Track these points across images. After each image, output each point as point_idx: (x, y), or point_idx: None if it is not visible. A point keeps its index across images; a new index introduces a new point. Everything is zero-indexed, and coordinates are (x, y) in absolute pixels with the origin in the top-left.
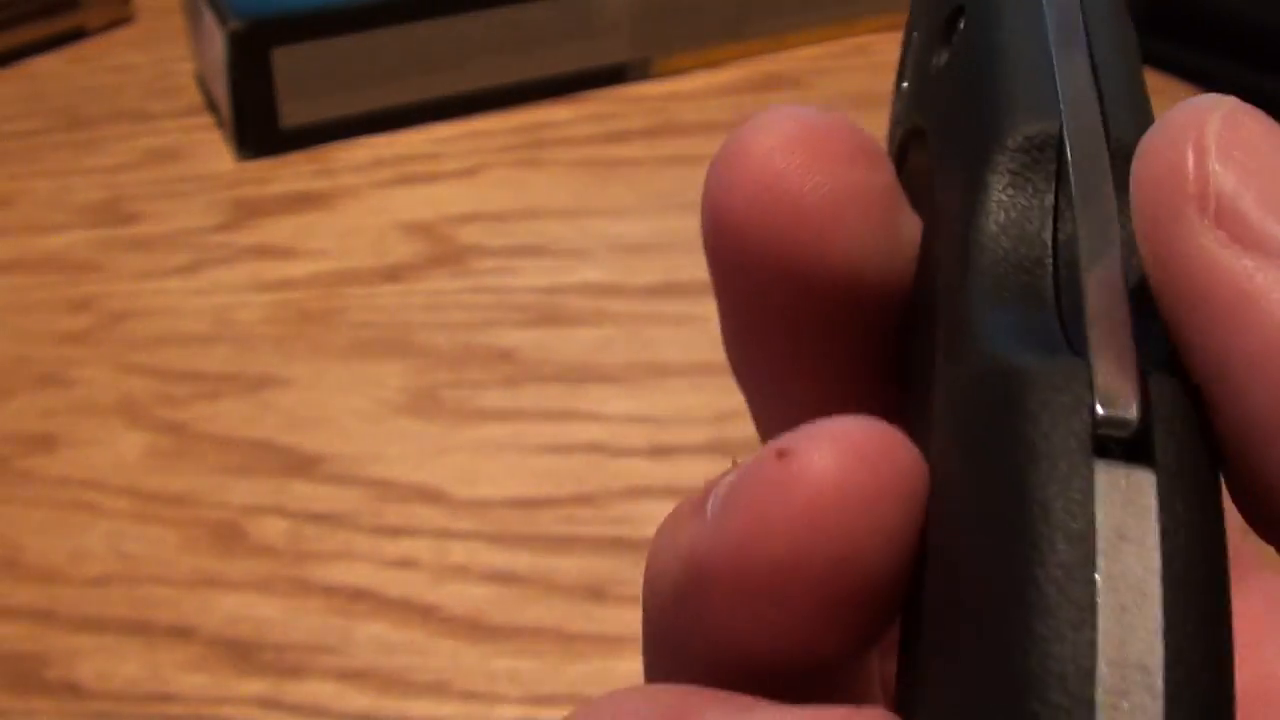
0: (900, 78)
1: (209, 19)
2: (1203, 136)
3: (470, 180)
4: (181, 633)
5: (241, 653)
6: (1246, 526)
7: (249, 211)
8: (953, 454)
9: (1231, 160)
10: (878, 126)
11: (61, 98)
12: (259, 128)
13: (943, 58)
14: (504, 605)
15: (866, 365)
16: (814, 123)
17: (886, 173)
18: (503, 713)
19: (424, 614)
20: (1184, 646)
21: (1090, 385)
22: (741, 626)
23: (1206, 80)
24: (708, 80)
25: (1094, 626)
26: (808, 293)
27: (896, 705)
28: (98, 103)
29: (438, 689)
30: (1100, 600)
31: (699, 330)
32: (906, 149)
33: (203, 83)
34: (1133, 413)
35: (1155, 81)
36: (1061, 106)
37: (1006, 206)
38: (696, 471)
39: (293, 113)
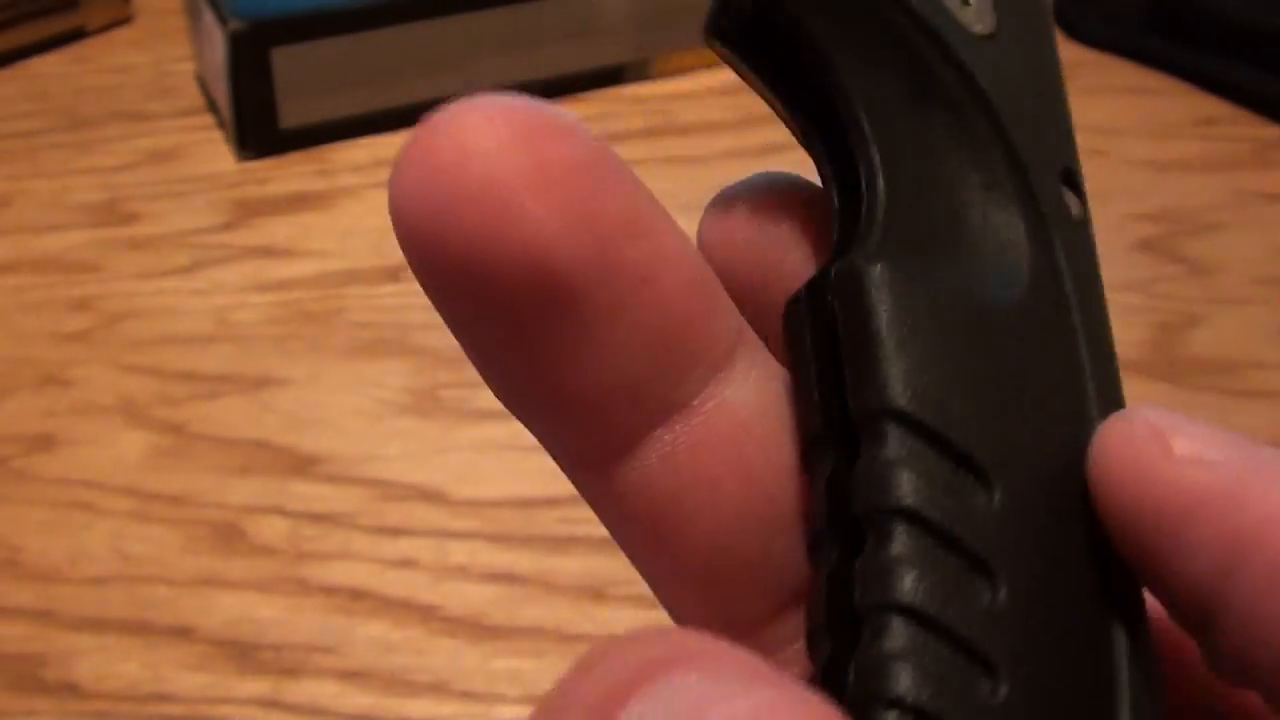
0: None
1: (209, 19)
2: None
3: None
4: (181, 632)
5: (241, 653)
6: None
7: (249, 212)
8: None
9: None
10: None
11: (62, 98)
12: (259, 128)
13: None
14: (504, 605)
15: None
16: (494, 108)
17: (580, 145)
18: (503, 713)
19: (424, 614)
20: None
21: None
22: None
23: (1207, 80)
24: (707, 80)
25: None
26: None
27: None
28: (98, 103)
29: (438, 689)
30: None
31: None
32: None
33: (203, 83)
34: None
35: (1155, 81)
36: None
37: None
38: None
39: (293, 113)
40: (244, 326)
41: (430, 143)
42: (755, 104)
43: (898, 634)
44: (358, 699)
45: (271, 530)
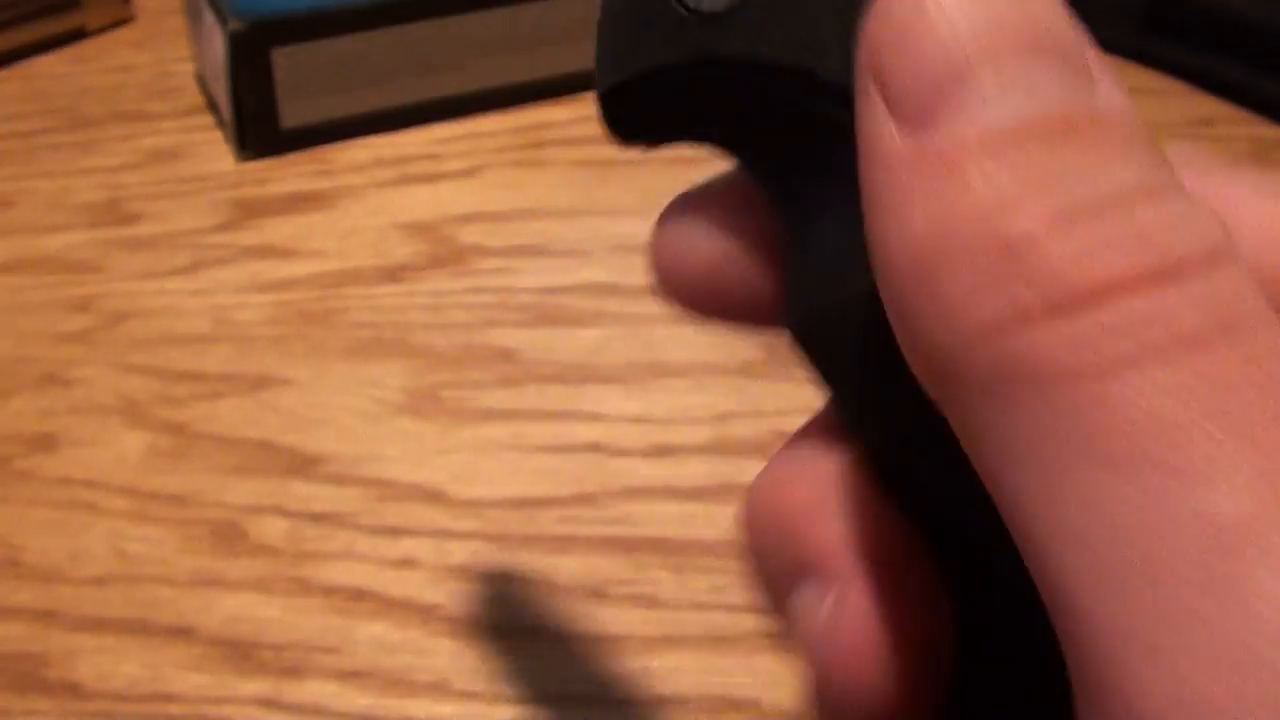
0: None
1: (209, 19)
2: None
3: (470, 180)
4: (182, 633)
5: (242, 653)
6: None
7: (249, 212)
8: None
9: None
10: None
11: (62, 98)
12: (259, 128)
13: None
14: (504, 605)
15: None
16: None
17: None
18: (503, 713)
19: (424, 614)
20: None
21: None
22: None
23: (1207, 80)
24: None
25: None
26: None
27: None
28: (98, 103)
29: (438, 689)
30: None
31: (699, 330)
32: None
33: (203, 83)
34: None
35: (1155, 81)
36: None
37: None
38: (696, 471)
39: (293, 113)
40: (244, 326)
41: None
42: None
43: None
44: (358, 699)
45: (272, 530)
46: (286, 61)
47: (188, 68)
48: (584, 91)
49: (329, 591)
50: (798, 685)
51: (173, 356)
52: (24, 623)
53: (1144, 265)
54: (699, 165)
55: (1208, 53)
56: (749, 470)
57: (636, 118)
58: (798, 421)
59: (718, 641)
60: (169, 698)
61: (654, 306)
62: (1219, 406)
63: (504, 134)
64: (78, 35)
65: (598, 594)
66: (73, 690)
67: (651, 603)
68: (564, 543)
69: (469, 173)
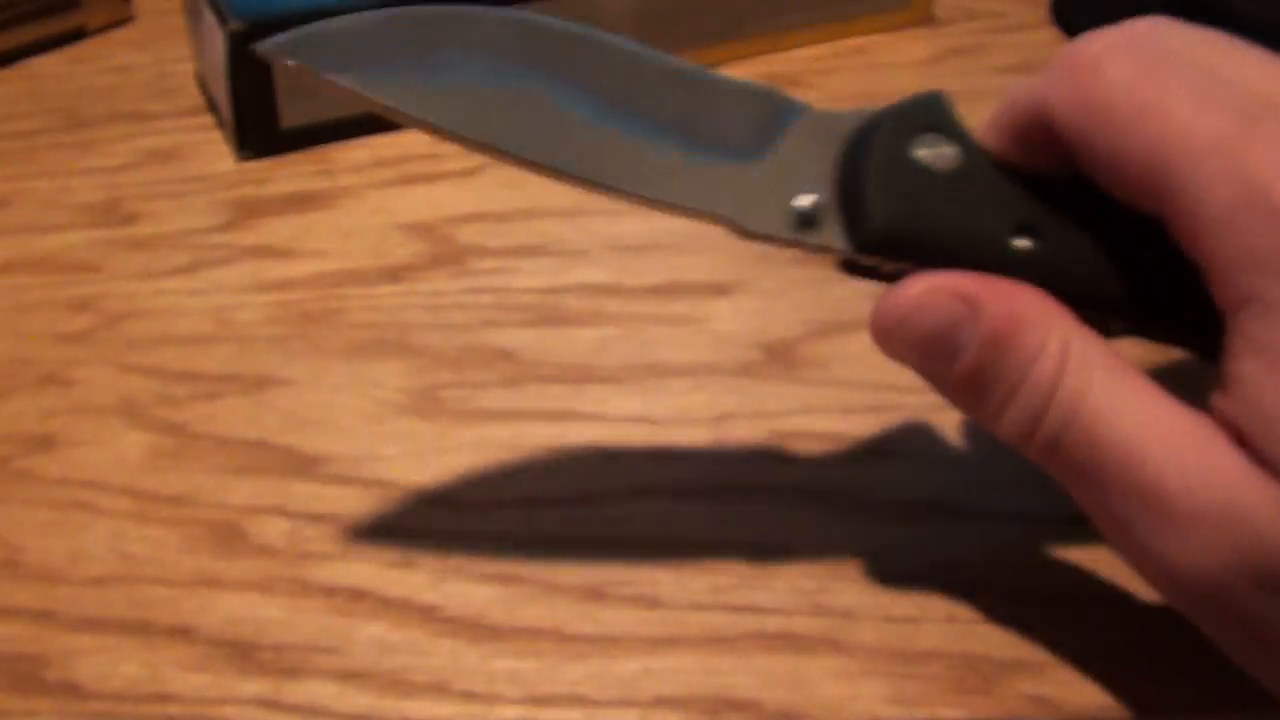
0: None
1: (209, 19)
2: None
3: (470, 181)
4: (181, 633)
5: (242, 653)
6: None
7: (249, 212)
8: None
9: None
10: None
11: (61, 98)
12: (259, 128)
13: None
14: (504, 605)
15: None
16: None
17: None
18: (503, 713)
19: (424, 614)
20: None
21: None
22: None
23: None
24: None
25: None
26: None
27: None
28: (98, 103)
29: (438, 689)
30: None
31: (699, 330)
32: None
33: (203, 83)
34: None
35: None
36: None
37: None
38: (697, 472)
39: (293, 113)
40: (244, 326)
41: None
42: None
43: None
44: (358, 699)
45: (272, 530)
46: None
47: (187, 68)
48: None
49: (329, 591)
50: (797, 685)
51: (172, 356)
52: (23, 623)
53: None
54: None
55: None
56: (749, 470)
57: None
58: (798, 421)
59: (718, 641)
60: (169, 698)
61: (654, 306)
62: None
63: None
64: (77, 35)
65: (598, 594)
66: (72, 690)
67: (651, 603)
68: (564, 543)
69: (469, 173)
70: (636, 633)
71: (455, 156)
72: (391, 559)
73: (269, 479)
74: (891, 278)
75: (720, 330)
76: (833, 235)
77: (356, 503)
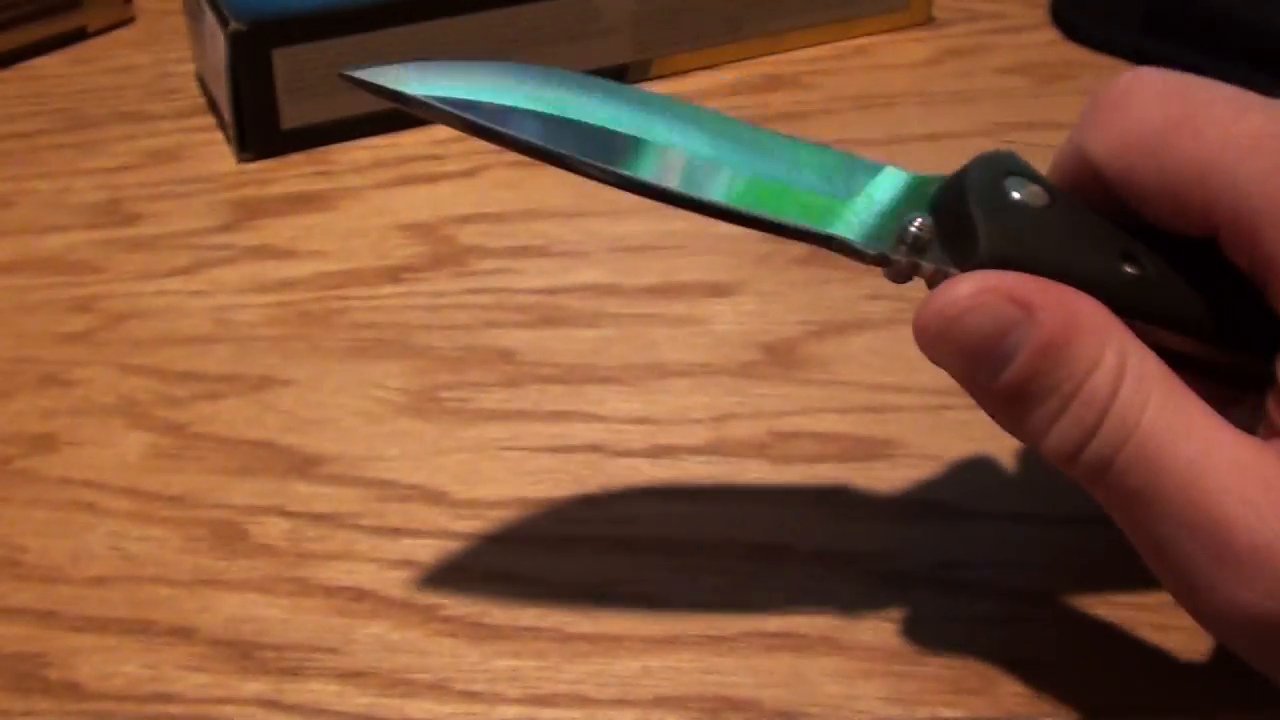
0: None
1: (210, 20)
2: None
3: (471, 181)
4: (182, 633)
5: (242, 652)
6: None
7: (249, 212)
8: None
9: None
10: (877, 126)
11: (62, 99)
12: (260, 129)
13: None
14: (504, 605)
15: None
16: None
17: None
18: (503, 712)
19: (424, 614)
20: None
21: None
22: None
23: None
24: (708, 81)
25: None
26: None
27: None
28: (99, 104)
29: (438, 689)
30: None
31: (699, 330)
32: None
33: (203, 84)
34: None
35: None
36: None
37: None
38: (696, 472)
39: (293, 114)
40: (245, 327)
41: None
42: (755, 105)
43: None
44: (358, 699)
45: (272, 530)
46: (287, 62)
47: (188, 68)
48: None
49: (329, 592)
50: (797, 685)
51: (173, 357)
52: (24, 623)
53: None
54: None
55: (1206, 53)
56: (749, 470)
57: None
58: (798, 422)
59: (718, 641)
60: (169, 698)
61: (654, 306)
62: None
63: None
64: (78, 36)
65: (598, 594)
66: (73, 690)
67: (651, 603)
68: (564, 543)
69: (469, 173)
70: (636, 632)
71: (455, 157)
72: (391, 559)
73: (270, 479)
74: None
75: (720, 330)
76: (939, 260)
77: (356, 503)
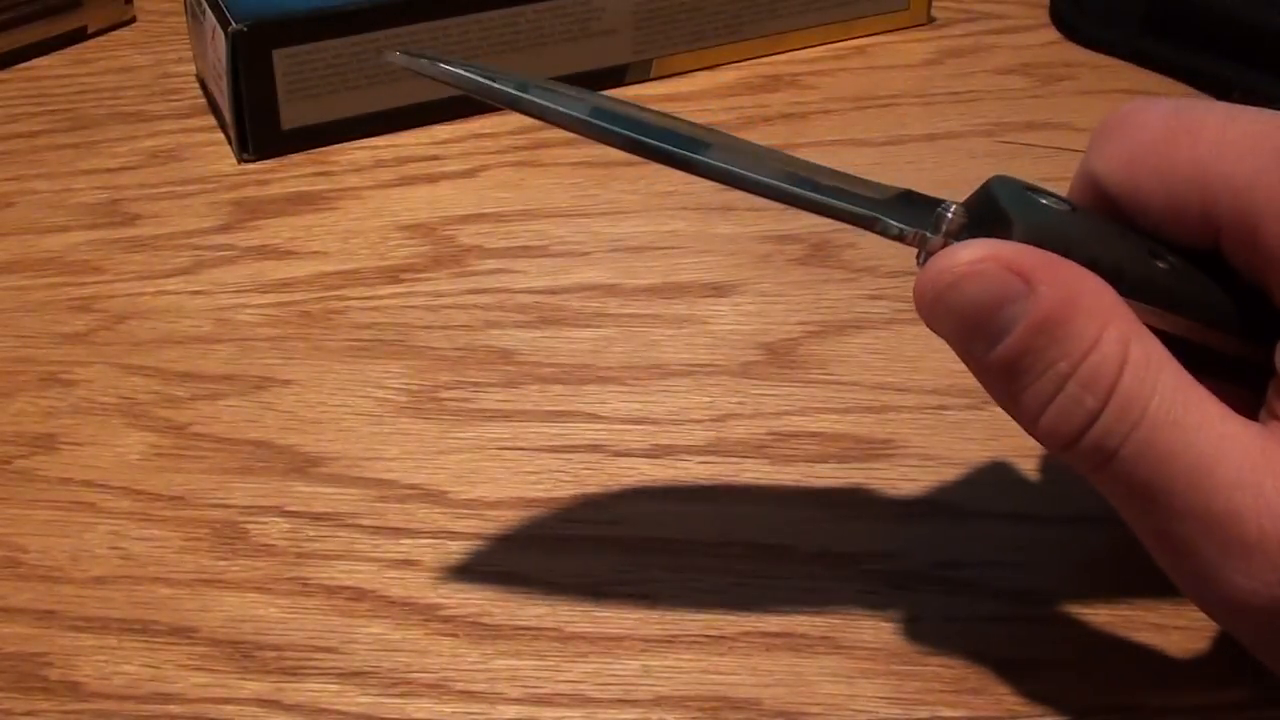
0: None
1: (210, 20)
2: None
3: (471, 181)
4: (183, 632)
5: (242, 652)
6: None
7: (250, 212)
8: None
9: None
10: (877, 127)
11: (63, 99)
12: (260, 129)
13: None
14: (504, 605)
15: None
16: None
17: None
18: (503, 712)
19: (425, 614)
20: None
21: None
22: None
23: (1205, 80)
24: (708, 81)
25: None
26: None
27: None
28: (99, 104)
29: (438, 689)
30: None
31: (699, 330)
32: None
33: (203, 84)
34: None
35: (1154, 82)
36: None
37: None
38: (696, 471)
39: (293, 114)
40: (245, 327)
41: None
42: (755, 105)
43: None
44: (358, 699)
45: (273, 530)
46: (287, 62)
47: (188, 69)
48: None
49: (330, 591)
50: (796, 685)
51: (173, 357)
52: (25, 622)
53: None
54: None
55: (1206, 53)
56: (749, 470)
57: None
58: (798, 422)
59: (718, 641)
60: (170, 697)
61: (654, 307)
62: None
63: (504, 134)
64: (78, 36)
65: (598, 594)
66: (74, 690)
67: (651, 603)
68: (564, 543)
69: (469, 173)
70: (636, 632)
71: (455, 157)
72: (391, 559)
73: (269, 479)
74: None
75: (720, 330)
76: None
77: (356, 503)
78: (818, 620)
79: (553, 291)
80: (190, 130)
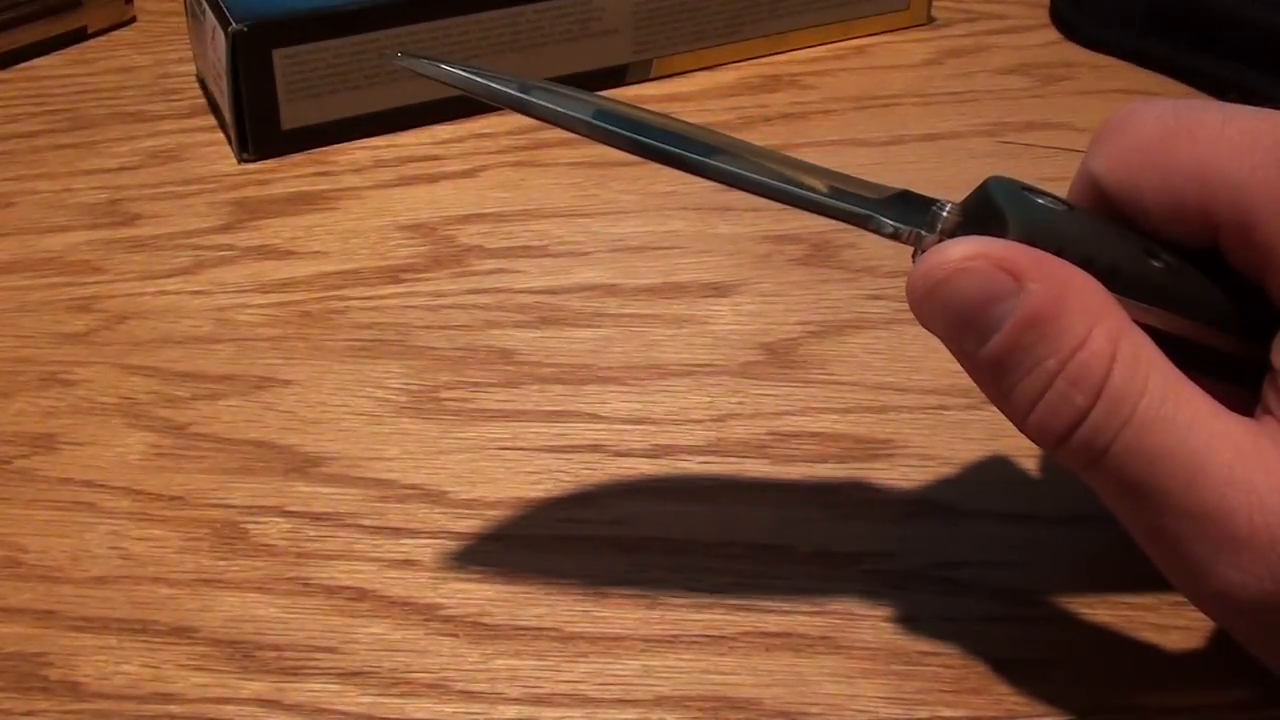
0: None
1: (211, 20)
2: None
3: (471, 181)
4: (182, 632)
5: (242, 652)
6: None
7: (250, 213)
8: None
9: None
10: (876, 127)
11: (63, 99)
12: (260, 129)
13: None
14: (504, 605)
15: None
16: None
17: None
18: (503, 712)
19: (425, 614)
20: None
21: None
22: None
23: (1206, 80)
24: (708, 81)
25: None
26: None
27: None
28: (99, 104)
29: (438, 688)
30: None
31: (699, 330)
32: None
33: (203, 84)
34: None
35: (1154, 82)
36: None
37: None
38: (696, 471)
39: (293, 114)
40: (245, 327)
41: None
42: (755, 105)
43: None
44: (358, 699)
45: (272, 530)
46: (287, 62)
47: (188, 69)
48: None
49: (330, 591)
50: (797, 685)
51: (173, 357)
52: (25, 622)
53: None
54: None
55: (1207, 53)
56: (749, 470)
57: None
58: (798, 422)
59: (718, 641)
60: (170, 697)
61: (654, 306)
62: None
63: (504, 134)
64: (78, 36)
65: (598, 594)
66: (73, 690)
67: (651, 603)
68: (564, 543)
69: (469, 173)
70: (636, 633)
71: (455, 157)
72: (391, 559)
73: (269, 479)
74: None
75: (720, 330)
76: None
77: (356, 503)
78: (818, 620)
79: (553, 291)
80: (190, 130)
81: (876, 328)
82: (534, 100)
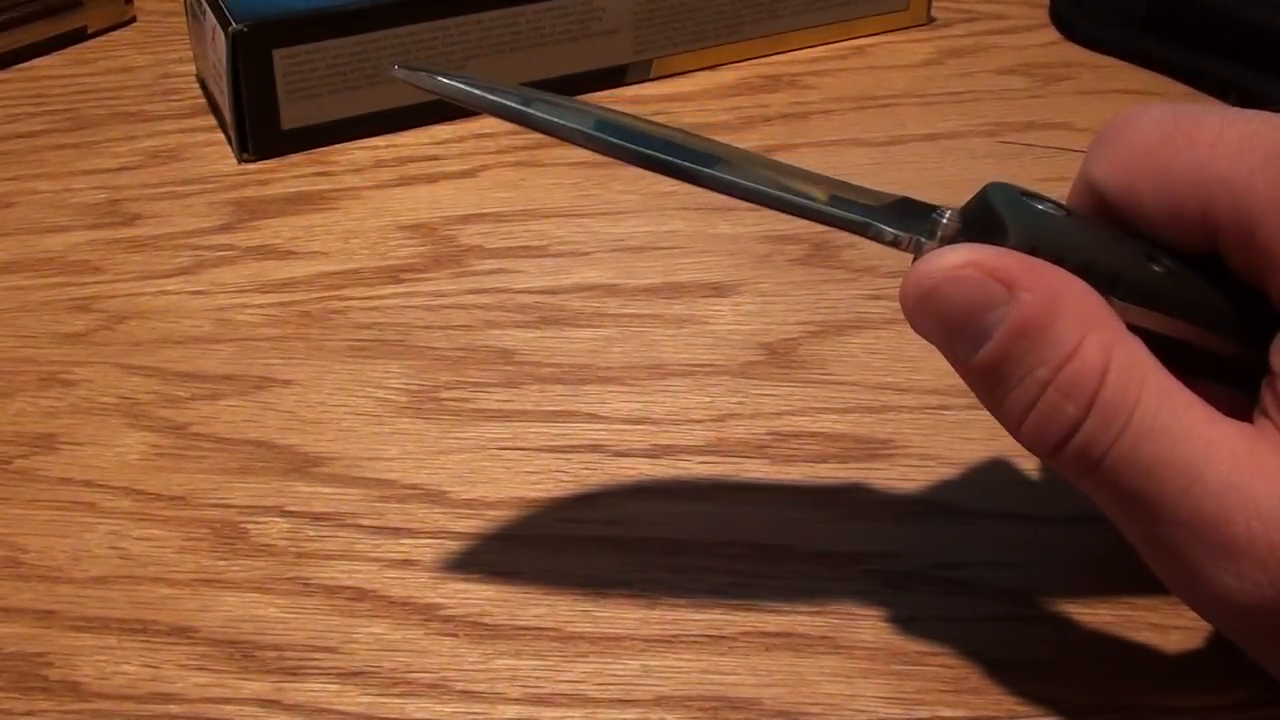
0: None
1: (211, 20)
2: None
3: (471, 181)
4: (182, 632)
5: (242, 652)
6: None
7: (250, 212)
8: None
9: None
10: (876, 127)
11: (63, 99)
12: (260, 129)
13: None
14: (504, 605)
15: None
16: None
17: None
18: (503, 712)
19: (424, 614)
20: None
21: None
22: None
23: (1206, 80)
24: (708, 81)
25: None
26: None
27: None
28: (99, 104)
29: (438, 689)
30: None
31: (699, 330)
32: None
33: (203, 84)
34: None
35: (1154, 83)
36: None
37: None
38: (696, 471)
39: (293, 114)
40: (245, 327)
41: None
42: (755, 106)
43: None
44: (358, 699)
45: (272, 530)
46: (287, 62)
47: (188, 69)
48: (584, 92)
49: (330, 591)
50: (796, 685)
51: (173, 357)
52: (25, 622)
53: None
54: None
55: (1207, 53)
56: (749, 470)
57: None
58: (798, 422)
59: (718, 641)
60: (170, 697)
61: (654, 306)
62: None
63: (504, 134)
64: (78, 36)
65: (598, 594)
66: (73, 690)
67: (651, 603)
68: (564, 542)
69: (469, 173)
70: (636, 633)
71: (455, 157)
72: (391, 559)
73: (269, 479)
74: None
75: (720, 330)
76: None
77: (356, 503)
78: (817, 620)
79: (553, 291)
80: (190, 130)
81: (877, 328)
82: (535, 113)
